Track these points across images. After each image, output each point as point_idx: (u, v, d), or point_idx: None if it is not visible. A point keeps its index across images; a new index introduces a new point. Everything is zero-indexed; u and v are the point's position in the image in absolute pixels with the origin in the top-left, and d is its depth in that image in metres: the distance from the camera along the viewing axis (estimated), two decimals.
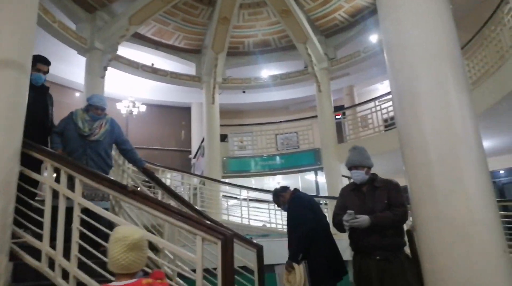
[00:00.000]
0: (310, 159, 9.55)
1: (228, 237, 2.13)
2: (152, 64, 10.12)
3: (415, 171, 2.48)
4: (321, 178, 9.50)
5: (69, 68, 10.11)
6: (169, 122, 13.44)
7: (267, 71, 11.23)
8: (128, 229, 1.69)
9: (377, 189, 2.69)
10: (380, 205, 2.59)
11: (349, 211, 2.54)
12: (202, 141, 10.36)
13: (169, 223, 2.44)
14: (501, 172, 9.93)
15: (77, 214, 2.52)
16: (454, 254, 2.14)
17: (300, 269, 3.36)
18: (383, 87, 12.24)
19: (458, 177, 2.29)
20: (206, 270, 2.61)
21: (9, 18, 2.75)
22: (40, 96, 3.56)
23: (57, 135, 3.58)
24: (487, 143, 7.92)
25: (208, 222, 2.43)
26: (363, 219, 2.49)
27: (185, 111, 13.46)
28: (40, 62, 3.57)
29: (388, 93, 9.33)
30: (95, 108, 3.65)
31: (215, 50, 9.54)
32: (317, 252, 3.35)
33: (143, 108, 11.77)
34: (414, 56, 2.62)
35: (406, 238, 2.71)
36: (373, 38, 9.61)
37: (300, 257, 3.38)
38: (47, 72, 3.67)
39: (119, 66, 9.13)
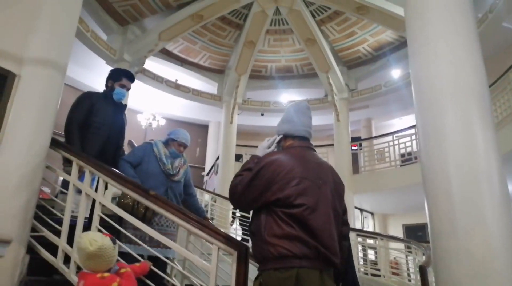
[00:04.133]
0: None
1: (244, 248, 2.12)
2: (176, 80, 10.37)
3: (437, 205, 2.47)
4: None
5: (96, 77, 10.44)
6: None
7: (287, 96, 11.38)
8: (86, 241, 1.80)
9: None
10: None
11: None
12: (217, 159, 10.44)
13: (186, 229, 2.45)
14: None
15: (97, 213, 2.56)
16: None
17: None
18: (401, 122, 12.23)
19: (480, 213, 2.28)
20: None
21: (52, 17, 2.87)
22: (118, 114, 3.38)
23: (130, 166, 3.09)
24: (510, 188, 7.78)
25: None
26: None
27: (203, 128, 13.64)
28: (126, 77, 3.38)
29: (407, 129, 9.34)
30: (178, 145, 3.24)
31: (238, 72, 9.75)
32: None
33: (162, 122, 11.97)
34: (441, 91, 2.65)
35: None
36: (395, 73, 9.70)
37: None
38: (129, 89, 3.48)
39: (144, 79, 9.40)
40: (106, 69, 8.58)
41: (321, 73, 9.41)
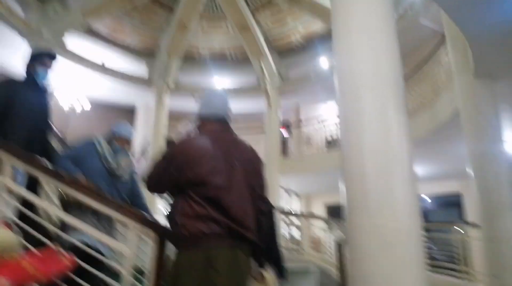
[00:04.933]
0: None
1: (162, 230, 2.05)
2: (103, 63, 9.81)
3: (352, 185, 2.65)
4: None
5: (11, 56, 9.50)
6: (112, 123, 12.95)
7: (220, 81, 11.34)
8: None
9: None
10: None
11: None
12: (147, 143, 10.14)
13: (102, 211, 2.33)
14: (427, 199, 10.77)
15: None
16: (379, 260, 2.33)
17: (271, 277, 3.31)
18: (326, 107, 12.83)
19: (391, 192, 2.49)
20: None
21: None
22: (42, 98, 3.07)
23: (69, 161, 2.74)
24: (416, 170, 8.59)
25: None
26: None
27: (131, 112, 13.09)
28: (47, 56, 3.09)
29: (332, 115, 9.87)
30: (122, 140, 2.95)
31: (169, 55, 9.50)
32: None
33: (87, 106, 11.28)
34: (361, 81, 2.81)
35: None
36: (323, 63, 10.13)
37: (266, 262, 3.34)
38: (51, 68, 3.12)
39: (68, 59, 8.75)
40: (23, 48, 7.89)
41: (254, 60, 9.52)
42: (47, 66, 3.10)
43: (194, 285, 1.60)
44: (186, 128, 2.07)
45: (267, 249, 3.40)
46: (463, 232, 6.50)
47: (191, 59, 10.46)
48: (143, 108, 12.44)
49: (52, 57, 3.14)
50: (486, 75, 4.87)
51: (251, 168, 1.90)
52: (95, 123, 12.45)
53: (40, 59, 3.08)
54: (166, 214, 1.90)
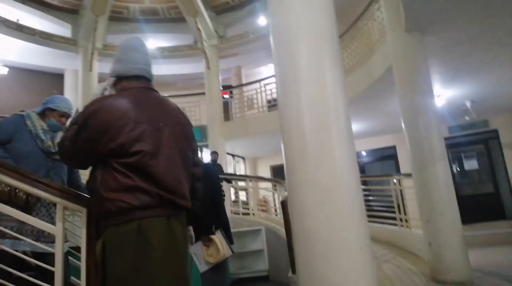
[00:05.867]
0: (197, 136, 9.43)
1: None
2: (18, 20, 8.75)
3: (291, 143, 2.61)
4: (206, 155, 9.56)
5: None
6: (39, 89, 11.85)
7: (154, 41, 10.69)
8: None
9: None
10: None
11: None
12: (76, 111, 9.44)
13: (24, 191, 2.10)
14: (363, 153, 11.30)
15: None
16: (320, 215, 2.33)
17: (218, 239, 3.24)
18: (267, 70, 12.75)
19: (328, 149, 2.48)
20: None
21: None
22: None
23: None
24: (354, 126, 8.90)
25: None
26: None
27: (58, 78, 12.05)
28: None
29: (273, 76, 9.79)
30: (59, 115, 2.62)
31: (95, 13, 8.68)
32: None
33: (4, 71, 10.17)
34: (296, 38, 2.73)
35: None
36: (262, 21, 9.87)
37: (214, 227, 3.24)
38: None
39: None
40: None
41: (189, 17, 9.01)
42: None
43: (127, 263, 1.45)
44: (102, 89, 1.79)
45: (211, 215, 3.35)
46: (397, 183, 6.90)
47: (120, 18, 9.67)
48: (71, 72, 11.49)
49: None
50: (417, 29, 4.97)
51: (180, 131, 1.71)
52: (20, 90, 11.34)
53: None
54: (88, 188, 1.68)
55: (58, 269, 1.94)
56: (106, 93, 1.74)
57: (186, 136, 1.75)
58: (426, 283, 4.57)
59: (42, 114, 2.60)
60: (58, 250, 1.98)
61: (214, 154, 8.22)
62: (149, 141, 1.54)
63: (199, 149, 1.94)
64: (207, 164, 3.59)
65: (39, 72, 11.79)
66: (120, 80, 1.73)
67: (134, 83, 1.71)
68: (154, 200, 1.50)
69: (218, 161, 8.19)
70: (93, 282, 1.84)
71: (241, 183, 8.68)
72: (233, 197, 8.34)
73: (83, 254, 1.96)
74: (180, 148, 1.67)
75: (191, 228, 2.37)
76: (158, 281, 1.45)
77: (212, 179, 3.37)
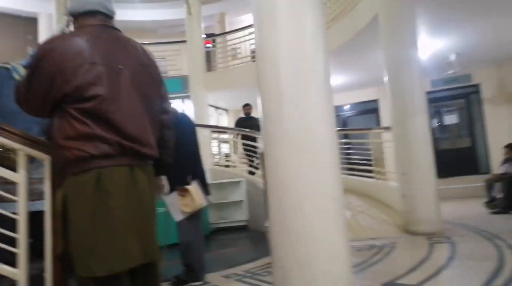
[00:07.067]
0: (178, 87, 9.24)
1: None
2: None
3: (268, 95, 2.55)
4: (188, 106, 9.39)
5: None
6: (11, 35, 11.23)
7: None
8: None
9: None
10: None
11: None
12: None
13: None
14: (346, 107, 11.28)
15: None
16: (294, 167, 2.32)
17: (194, 189, 3.25)
18: (251, 17, 12.27)
19: (306, 102, 2.42)
20: None
21: None
22: None
23: None
24: (337, 79, 8.78)
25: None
26: None
27: (31, 22, 11.39)
28: None
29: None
30: None
31: None
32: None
33: None
34: None
35: None
36: None
37: (189, 177, 3.24)
38: None
39: None
40: None
41: None
42: None
43: (86, 212, 1.40)
44: (60, 30, 1.64)
45: (186, 165, 3.30)
46: (378, 136, 6.96)
47: None
48: (47, 16, 10.84)
49: None
50: None
51: (143, 74, 1.60)
52: None
53: None
54: (47, 137, 1.59)
55: (22, 218, 1.90)
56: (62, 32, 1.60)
57: (151, 80, 1.64)
58: (398, 233, 4.75)
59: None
60: (22, 200, 1.92)
61: (247, 106, 7.94)
62: (106, 84, 1.43)
63: (168, 94, 1.83)
64: (179, 113, 3.48)
65: (11, 15, 11.09)
66: (77, 18, 1.59)
67: (90, 20, 1.56)
68: (114, 149, 1.43)
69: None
70: (55, 234, 1.81)
71: (224, 136, 8.64)
72: (216, 150, 8.32)
73: (47, 204, 1.92)
74: (144, 93, 1.56)
75: (163, 178, 2.33)
76: (119, 231, 1.41)
77: (184, 128, 3.30)
